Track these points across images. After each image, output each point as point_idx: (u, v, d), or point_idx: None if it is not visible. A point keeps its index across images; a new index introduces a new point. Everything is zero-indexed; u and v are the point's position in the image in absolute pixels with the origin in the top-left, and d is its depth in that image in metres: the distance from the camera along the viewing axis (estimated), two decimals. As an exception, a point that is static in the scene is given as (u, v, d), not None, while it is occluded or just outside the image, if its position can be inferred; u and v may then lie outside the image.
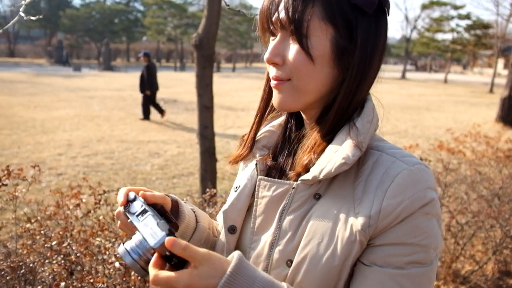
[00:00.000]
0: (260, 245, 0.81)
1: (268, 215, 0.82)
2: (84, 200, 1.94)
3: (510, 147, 3.88)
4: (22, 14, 2.68)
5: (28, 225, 1.77)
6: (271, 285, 0.67)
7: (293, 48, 0.76)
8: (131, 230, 0.77)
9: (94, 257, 1.59)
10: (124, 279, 1.48)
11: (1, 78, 20.64)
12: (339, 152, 0.74)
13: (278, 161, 0.87)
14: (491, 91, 24.35)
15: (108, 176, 6.12)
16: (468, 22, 34.86)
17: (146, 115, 11.05)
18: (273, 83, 0.80)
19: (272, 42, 0.79)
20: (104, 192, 1.94)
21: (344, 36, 0.75)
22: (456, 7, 34.95)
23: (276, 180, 0.83)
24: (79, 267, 1.58)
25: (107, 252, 1.62)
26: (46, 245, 1.59)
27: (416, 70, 57.37)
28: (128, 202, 0.78)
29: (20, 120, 10.21)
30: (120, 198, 0.79)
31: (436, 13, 38.84)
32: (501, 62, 34.19)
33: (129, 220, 0.76)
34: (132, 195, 0.79)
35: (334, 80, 0.78)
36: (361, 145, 0.74)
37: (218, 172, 4.39)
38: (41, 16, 2.33)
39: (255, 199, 0.84)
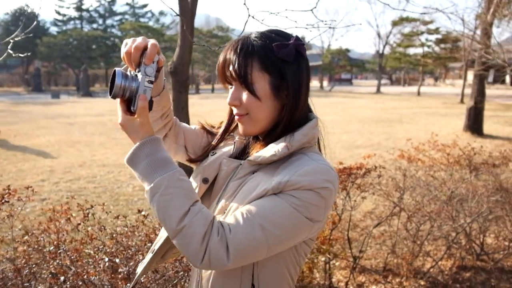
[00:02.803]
0: (213, 199, 1.18)
1: (222, 181, 1.18)
2: (74, 215, 2.21)
3: (460, 154, 4.26)
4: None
5: (26, 237, 2.02)
6: (162, 162, 1.01)
7: (245, 93, 1.12)
8: (132, 60, 1.04)
9: (85, 261, 1.86)
10: (112, 277, 1.75)
11: (-21, 108, 20.59)
12: (273, 148, 1.10)
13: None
14: (461, 101, 25.25)
15: (91, 199, 6.31)
16: (438, 36, 36.19)
17: None
18: (236, 117, 1.17)
19: (230, 90, 1.15)
20: (92, 206, 2.21)
21: (277, 78, 1.11)
22: (425, 23, 36.28)
23: (231, 159, 1.20)
24: (72, 270, 1.84)
25: (97, 256, 1.89)
26: (46, 249, 1.85)
27: (391, 84, 58.79)
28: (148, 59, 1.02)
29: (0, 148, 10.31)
30: (153, 51, 1.02)
31: (406, 28, 40.16)
32: (470, 73, 35.40)
33: (137, 70, 1.03)
34: (156, 58, 1.04)
35: (276, 109, 1.13)
36: (290, 146, 1.09)
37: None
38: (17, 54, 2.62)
39: (219, 171, 1.20)
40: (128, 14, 59.20)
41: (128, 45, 1.04)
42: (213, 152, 1.27)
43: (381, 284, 3.64)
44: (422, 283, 3.59)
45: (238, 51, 1.10)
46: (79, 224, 2.12)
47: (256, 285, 1.10)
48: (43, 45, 45.40)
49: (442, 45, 36.53)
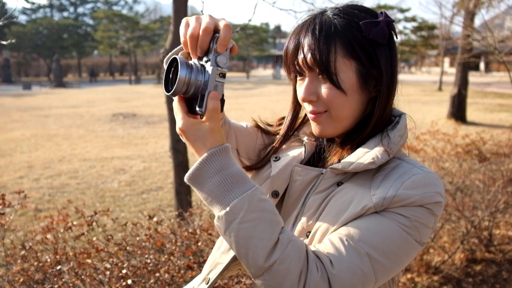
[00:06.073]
0: (288, 218, 0.93)
1: (297, 194, 0.94)
2: (75, 223, 1.94)
3: (467, 142, 4.14)
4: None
5: (23, 252, 1.75)
6: (238, 178, 0.76)
7: (325, 86, 0.88)
8: (199, 46, 0.77)
9: (94, 279, 1.61)
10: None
11: None
12: (370, 153, 0.87)
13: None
14: (440, 89, 25.50)
15: (75, 196, 5.98)
16: (414, 24, 36.49)
17: None
18: (311, 116, 0.93)
19: (302, 82, 0.91)
20: (95, 213, 1.95)
21: (367, 65, 0.87)
22: (402, 10, 36.47)
23: (307, 167, 0.95)
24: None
25: (107, 273, 1.64)
26: (53, 269, 1.59)
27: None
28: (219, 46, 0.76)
29: (-28, 144, 9.77)
30: (227, 35, 0.75)
31: (383, 16, 40.25)
32: (446, 61, 35.94)
33: (205, 60, 0.77)
34: (230, 45, 0.78)
35: (363, 103, 0.91)
36: (390, 151, 0.87)
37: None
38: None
39: (290, 182, 0.95)
40: (100, 2, 57.47)
41: (192, 25, 0.77)
42: (276, 157, 1.02)
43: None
44: (436, 278, 3.45)
45: (317, 33, 0.86)
46: (82, 234, 1.86)
47: None
48: (11, 35, 43.68)
49: (419, 33, 36.80)
